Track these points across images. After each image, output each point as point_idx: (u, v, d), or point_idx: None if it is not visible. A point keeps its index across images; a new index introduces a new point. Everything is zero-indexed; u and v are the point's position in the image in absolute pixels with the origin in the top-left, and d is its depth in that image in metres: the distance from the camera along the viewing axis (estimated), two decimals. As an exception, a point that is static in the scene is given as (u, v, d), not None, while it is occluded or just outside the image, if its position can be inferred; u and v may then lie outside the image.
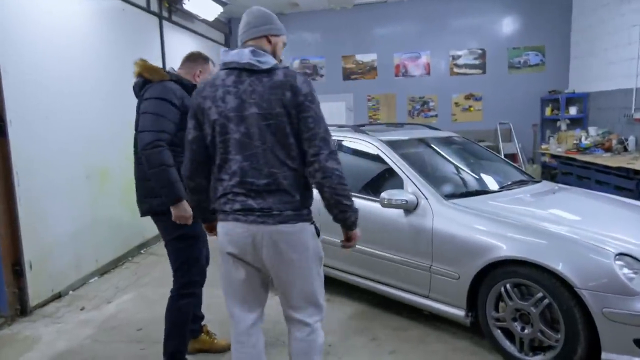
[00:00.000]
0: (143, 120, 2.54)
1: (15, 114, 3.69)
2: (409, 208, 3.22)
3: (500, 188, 3.58)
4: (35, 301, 3.92)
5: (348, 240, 2.17)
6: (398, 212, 3.30)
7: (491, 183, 3.71)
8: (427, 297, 3.23)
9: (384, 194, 3.21)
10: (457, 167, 3.91)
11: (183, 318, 2.70)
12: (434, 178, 3.53)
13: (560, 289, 2.55)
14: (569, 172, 6.97)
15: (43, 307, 3.97)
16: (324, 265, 3.84)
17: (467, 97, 8.78)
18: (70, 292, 4.32)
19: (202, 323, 3.16)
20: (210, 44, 8.29)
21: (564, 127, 7.87)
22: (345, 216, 2.02)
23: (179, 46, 6.96)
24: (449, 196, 3.27)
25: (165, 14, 6.49)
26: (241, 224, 1.97)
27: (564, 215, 3.10)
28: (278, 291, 2.12)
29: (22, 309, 3.79)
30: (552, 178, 7.98)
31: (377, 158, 3.62)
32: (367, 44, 8.99)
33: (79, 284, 4.47)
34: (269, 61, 1.95)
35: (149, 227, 5.71)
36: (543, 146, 8.07)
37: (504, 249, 2.76)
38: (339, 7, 8.82)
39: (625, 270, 2.46)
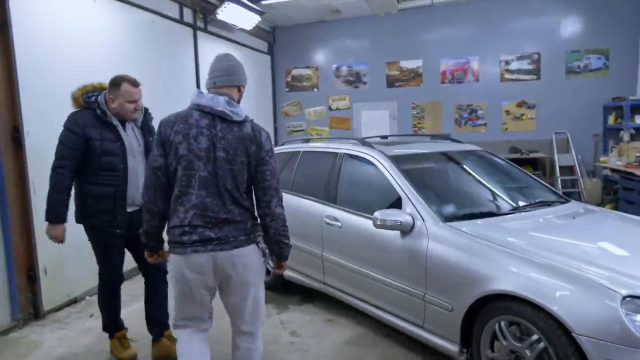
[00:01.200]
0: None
1: (32, 125, 3.85)
2: (404, 230, 2.98)
3: (514, 209, 3.22)
4: (50, 305, 4.07)
5: (280, 267, 2.52)
6: (395, 233, 3.06)
7: (505, 204, 3.34)
8: (421, 327, 2.96)
9: (377, 214, 2.99)
10: (469, 185, 3.59)
11: (105, 306, 3.27)
12: (438, 197, 3.25)
13: (557, 333, 2.21)
14: (630, 187, 6.26)
15: (57, 311, 4.11)
16: (327, 284, 3.64)
17: (519, 105, 8.19)
18: (87, 297, 4.45)
19: (167, 329, 3.32)
20: (252, 53, 8.36)
21: (626, 137, 7.11)
22: (281, 251, 2.39)
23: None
24: (450, 218, 2.98)
25: (200, 24, 6.61)
26: (200, 254, 2.19)
27: (576, 244, 2.70)
28: (227, 307, 2.39)
29: (36, 313, 3.95)
30: (614, 194, 7.24)
31: (379, 174, 3.40)
32: (412, 50, 8.66)
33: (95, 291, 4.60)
34: (240, 113, 2.21)
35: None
36: (602, 158, 7.33)
37: (498, 282, 2.45)
38: (383, 12, 8.57)
39: (636, 317, 2.08)
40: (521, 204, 3.33)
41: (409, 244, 2.98)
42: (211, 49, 6.94)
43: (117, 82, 2.98)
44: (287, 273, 4.29)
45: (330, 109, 9.27)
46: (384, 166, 3.38)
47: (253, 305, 2.33)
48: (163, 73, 5.78)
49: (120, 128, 3.03)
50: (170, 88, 5.94)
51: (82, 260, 4.39)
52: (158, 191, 2.23)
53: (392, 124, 8.93)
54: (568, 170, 7.90)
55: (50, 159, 4.05)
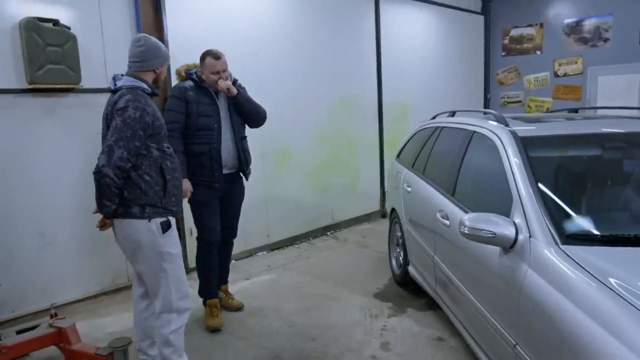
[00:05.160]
0: None
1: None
2: (501, 245, 2.05)
3: None
4: (194, 263, 4.41)
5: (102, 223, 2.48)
6: (494, 247, 2.16)
7: None
8: (513, 388, 2.03)
9: (465, 218, 2.14)
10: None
11: (197, 265, 3.48)
12: (578, 203, 2.15)
13: None
14: None
15: (202, 270, 4.46)
16: (437, 293, 2.94)
17: None
18: (233, 261, 4.69)
19: (226, 282, 3.68)
20: (457, 14, 7.37)
21: None
22: (100, 208, 2.31)
23: (404, 22, 6.46)
24: (578, 237, 1.91)
25: (385, -15, 6.09)
26: None
27: None
28: None
29: (181, 269, 4.36)
30: None
31: (499, 161, 2.44)
32: (683, -11, 6.24)
33: (244, 255, 4.83)
34: (119, 84, 2.36)
35: (340, 209, 5.73)
36: None
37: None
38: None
39: None
40: None
41: (505, 267, 2.05)
42: (398, 14, 6.36)
43: (202, 56, 3.24)
44: (411, 270, 3.66)
45: (555, 75, 7.54)
46: (505, 151, 2.41)
47: (148, 280, 2.44)
48: (334, 45, 5.55)
49: (218, 94, 3.27)
50: (343, 62, 5.69)
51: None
52: None
53: (643, 93, 6.72)
54: None
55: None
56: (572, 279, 1.70)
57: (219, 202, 3.34)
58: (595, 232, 1.98)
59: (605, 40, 6.98)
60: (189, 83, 3.21)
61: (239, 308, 3.59)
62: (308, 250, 5.08)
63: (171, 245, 2.43)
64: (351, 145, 5.96)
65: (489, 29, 8.10)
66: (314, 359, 2.88)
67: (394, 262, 4.17)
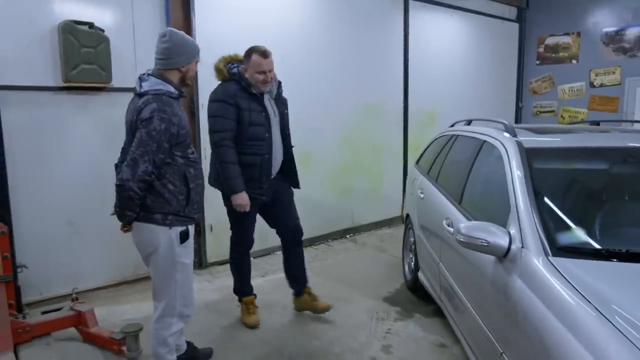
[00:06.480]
0: (209, 122, 3.08)
1: (204, 99, 4.31)
2: (495, 254, 2.07)
3: None
4: (213, 259, 4.60)
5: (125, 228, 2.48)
6: (490, 256, 2.18)
7: None
8: (500, 397, 2.05)
9: (462, 226, 2.17)
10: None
11: (233, 268, 3.46)
12: (577, 216, 2.14)
13: None
14: None
15: (220, 265, 4.60)
16: (441, 300, 2.98)
17: None
18: (251, 258, 4.82)
19: (308, 285, 3.53)
20: (490, 21, 7.30)
21: None
22: (121, 218, 2.32)
23: (433, 28, 6.46)
24: (569, 250, 1.91)
25: (416, -8, 6.12)
26: None
27: None
28: None
29: (200, 263, 4.53)
30: None
31: (502, 172, 2.46)
32: None
33: (261, 253, 4.94)
34: (143, 85, 2.29)
35: (361, 213, 5.78)
36: None
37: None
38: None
39: None
40: None
41: (497, 276, 2.07)
42: (428, 20, 6.36)
43: (248, 52, 3.02)
44: (420, 276, 3.68)
45: (591, 85, 7.34)
46: (509, 161, 2.42)
47: (156, 284, 2.43)
48: (361, 50, 5.61)
49: (264, 99, 3.10)
50: (370, 67, 5.74)
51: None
52: None
53: (683, 106, 6.46)
54: None
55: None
56: (555, 290, 1.71)
57: (257, 208, 3.25)
58: (587, 245, 1.97)
59: (645, 50, 6.76)
60: (235, 86, 2.99)
61: (324, 309, 3.44)
62: (325, 252, 5.16)
63: (186, 255, 2.43)
64: (375, 149, 6.00)
65: (523, 36, 7.97)
66: (315, 357, 2.95)
67: (406, 267, 4.20)
